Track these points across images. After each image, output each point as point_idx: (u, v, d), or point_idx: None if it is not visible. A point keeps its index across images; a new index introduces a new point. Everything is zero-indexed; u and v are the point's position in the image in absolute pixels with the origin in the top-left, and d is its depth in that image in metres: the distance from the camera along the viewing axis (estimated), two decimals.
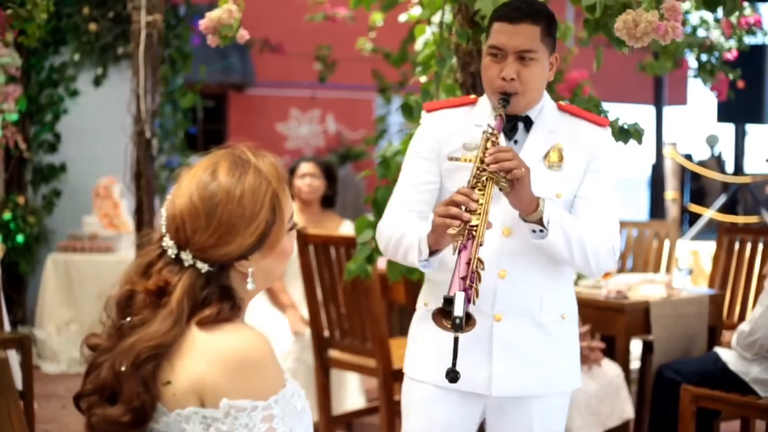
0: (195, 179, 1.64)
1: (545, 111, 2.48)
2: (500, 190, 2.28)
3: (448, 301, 2.07)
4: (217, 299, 1.62)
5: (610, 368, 4.02)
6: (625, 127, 3.09)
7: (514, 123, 2.46)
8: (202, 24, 3.07)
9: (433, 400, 2.49)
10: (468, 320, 2.07)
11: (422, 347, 2.53)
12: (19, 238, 6.42)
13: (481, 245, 2.15)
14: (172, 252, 1.63)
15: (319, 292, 4.38)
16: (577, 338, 2.58)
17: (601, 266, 2.43)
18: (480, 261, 2.14)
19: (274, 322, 4.81)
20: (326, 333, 4.42)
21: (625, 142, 3.10)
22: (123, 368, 1.57)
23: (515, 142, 2.47)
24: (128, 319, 1.63)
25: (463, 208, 2.20)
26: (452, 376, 2.08)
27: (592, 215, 2.43)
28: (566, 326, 2.52)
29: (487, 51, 2.42)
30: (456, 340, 2.07)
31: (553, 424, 2.54)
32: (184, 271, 1.62)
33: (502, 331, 2.42)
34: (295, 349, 4.71)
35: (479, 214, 2.19)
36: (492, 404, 2.50)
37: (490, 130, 2.34)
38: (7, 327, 4.32)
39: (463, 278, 2.09)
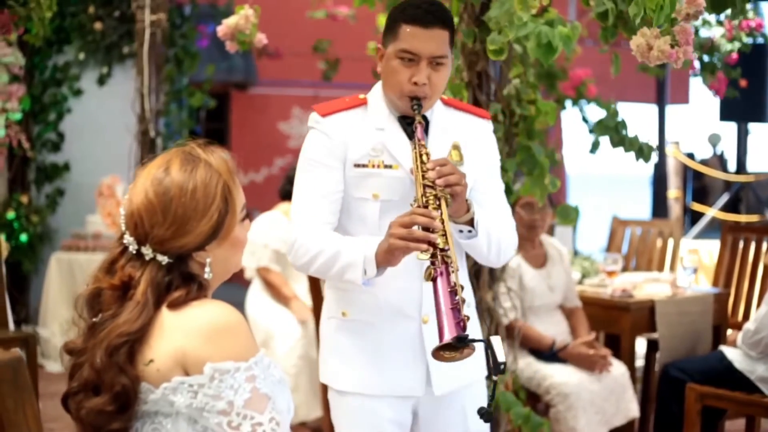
0: (149, 177, 1.72)
1: (435, 108, 2.49)
2: (447, 206, 2.26)
3: (460, 339, 2.06)
4: (182, 284, 1.70)
5: (615, 367, 4.02)
6: (642, 145, 3.19)
7: (411, 125, 2.42)
8: (220, 31, 3.10)
9: (364, 409, 2.47)
10: (468, 344, 2.09)
11: (345, 358, 2.49)
12: (23, 237, 6.42)
13: (457, 270, 2.14)
14: (132, 248, 1.70)
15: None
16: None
17: (506, 259, 2.51)
18: (462, 287, 2.13)
19: (279, 319, 4.83)
20: None
21: (638, 158, 3.17)
22: (98, 360, 1.64)
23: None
24: (99, 316, 1.70)
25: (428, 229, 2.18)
26: (488, 417, 2.09)
27: (495, 209, 2.48)
28: (473, 313, 2.54)
29: (396, 54, 2.37)
30: (495, 383, 2.08)
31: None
32: (145, 264, 1.70)
33: (430, 331, 2.33)
34: (300, 345, 4.72)
35: (443, 234, 2.17)
36: (425, 402, 2.50)
37: (417, 140, 2.34)
38: (11, 326, 4.32)
39: (453, 309, 2.08)
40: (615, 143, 3.32)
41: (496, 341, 2.04)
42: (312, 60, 7.89)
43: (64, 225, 6.77)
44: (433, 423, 2.53)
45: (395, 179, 2.40)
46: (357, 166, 2.42)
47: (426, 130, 2.43)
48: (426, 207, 2.21)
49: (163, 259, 1.69)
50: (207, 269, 1.73)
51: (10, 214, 6.41)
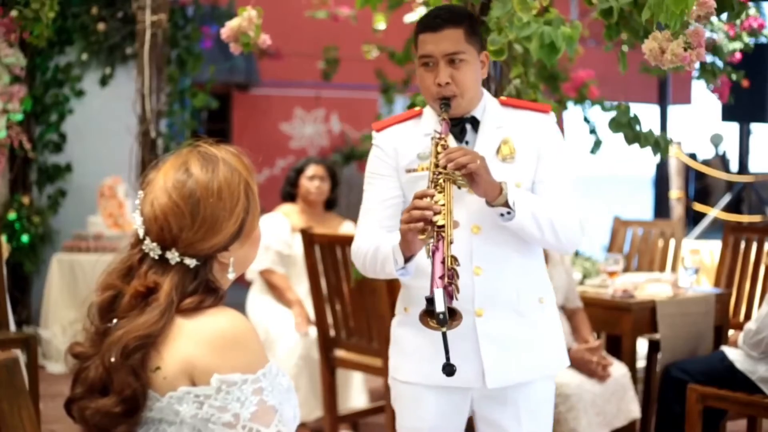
0: (169, 179, 1.68)
1: (489, 108, 2.58)
2: (459, 188, 2.37)
3: (430, 301, 2.14)
4: (202, 290, 1.67)
5: (617, 368, 4.01)
6: (658, 139, 3.19)
7: (461, 125, 2.56)
8: (223, 33, 3.11)
9: (420, 399, 2.59)
10: (453, 315, 2.15)
11: (405, 350, 2.62)
12: (24, 238, 6.42)
13: (451, 243, 2.23)
14: (155, 253, 1.67)
15: (325, 290, 4.38)
16: (558, 319, 2.70)
17: (573, 241, 2.54)
18: (454, 258, 2.21)
19: (279, 320, 4.82)
20: (332, 332, 4.42)
21: (655, 153, 3.17)
22: (113, 359, 1.61)
23: (466, 143, 2.57)
24: (114, 321, 1.67)
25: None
26: (449, 369, 2.16)
27: (553, 195, 2.53)
28: (545, 309, 2.64)
29: (419, 62, 2.52)
30: (444, 335, 2.14)
31: (541, 408, 2.64)
32: (170, 269, 1.66)
33: (485, 325, 2.52)
34: (301, 346, 4.71)
35: (444, 214, 2.27)
36: (479, 396, 2.59)
37: (437, 135, 2.44)
38: (12, 327, 4.32)
39: (441, 277, 2.16)
40: (630, 140, 3.31)
41: (438, 294, 2.11)
42: (314, 61, 7.89)
43: (65, 226, 6.77)
44: (488, 420, 2.60)
45: None
46: (408, 171, 2.57)
47: (476, 128, 2.55)
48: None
49: (191, 262, 1.66)
50: (230, 269, 1.72)
51: (12, 215, 6.41)
